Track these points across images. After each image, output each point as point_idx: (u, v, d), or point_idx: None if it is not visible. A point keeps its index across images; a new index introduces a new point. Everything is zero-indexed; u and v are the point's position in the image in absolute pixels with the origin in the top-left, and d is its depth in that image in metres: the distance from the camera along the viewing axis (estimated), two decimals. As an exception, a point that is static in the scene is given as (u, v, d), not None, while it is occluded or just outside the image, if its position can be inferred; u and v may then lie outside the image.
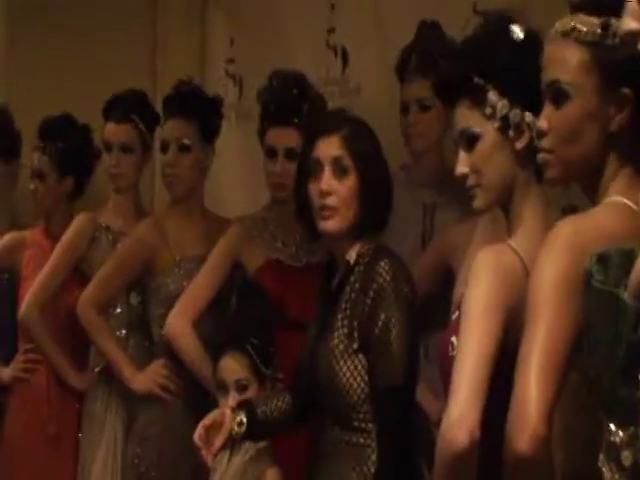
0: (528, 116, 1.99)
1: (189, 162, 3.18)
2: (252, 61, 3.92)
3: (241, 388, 2.69)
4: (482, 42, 2.03)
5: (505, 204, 2.04)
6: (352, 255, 2.35)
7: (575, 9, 1.76)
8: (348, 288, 2.33)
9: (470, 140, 2.01)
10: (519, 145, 2.00)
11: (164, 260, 3.19)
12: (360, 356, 2.27)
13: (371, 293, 2.26)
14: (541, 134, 1.78)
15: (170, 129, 3.19)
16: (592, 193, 1.77)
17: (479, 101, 2.00)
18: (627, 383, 1.36)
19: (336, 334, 2.30)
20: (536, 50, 1.97)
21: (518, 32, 2.01)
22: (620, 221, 1.69)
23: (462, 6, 3.21)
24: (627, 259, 1.42)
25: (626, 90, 1.71)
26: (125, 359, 3.19)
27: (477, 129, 2.00)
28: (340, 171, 2.33)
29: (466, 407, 1.78)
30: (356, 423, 2.28)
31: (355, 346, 2.28)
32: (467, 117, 2.01)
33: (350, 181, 2.33)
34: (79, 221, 3.45)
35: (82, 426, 3.38)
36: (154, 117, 3.44)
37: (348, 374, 2.27)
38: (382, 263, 2.27)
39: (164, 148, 3.22)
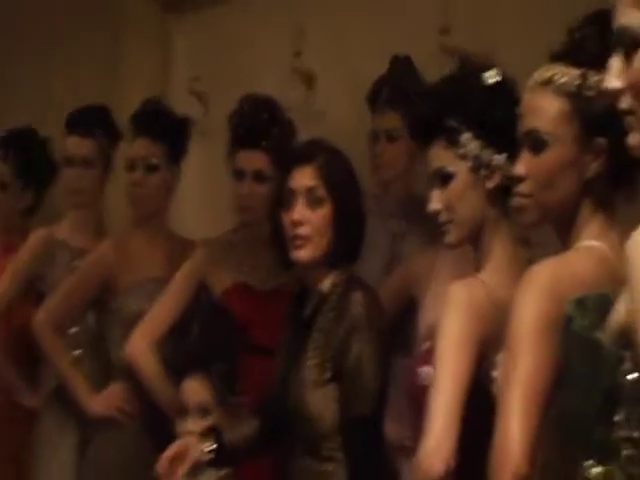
0: (499, 157, 2.10)
1: (156, 182, 3.18)
2: (218, 79, 3.93)
3: (203, 412, 2.68)
4: (457, 85, 2.14)
5: (475, 240, 2.14)
6: (326, 285, 2.39)
7: (554, 59, 1.84)
8: (321, 318, 2.36)
9: (444, 179, 2.12)
10: (490, 184, 2.11)
11: (125, 281, 3.18)
12: (332, 386, 2.31)
13: (345, 324, 2.30)
14: (518, 180, 1.86)
15: (138, 148, 3.19)
16: (565, 236, 1.85)
17: (453, 141, 2.11)
18: (603, 425, 1.41)
19: (308, 363, 2.33)
20: (508, 94, 2.11)
21: (492, 77, 2.11)
22: (593, 265, 1.76)
23: (428, 40, 3.28)
24: (603, 304, 1.48)
25: (602, 140, 1.80)
26: (81, 380, 3.17)
27: (451, 168, 2.11)
28: (314, 201, 2.38)
29: (441, 437, 1.87)
30: (325, 452, 2.32)
31: (327, 376, 2.31)
32: (441, 157, 2.12)
33: (324, 211, 2.38)
34: (35, 236, 3.43)
35: (35, 446, 3.34)
36: (117, 133, 3.43)
37: (319, 404, 2.30)
38: (356, 294, 2.32)
39: (131, 167, 3.21)
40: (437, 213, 2.13)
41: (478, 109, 2.08)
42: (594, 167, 1.81)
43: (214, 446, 2.45)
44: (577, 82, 1.80)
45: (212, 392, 2.70)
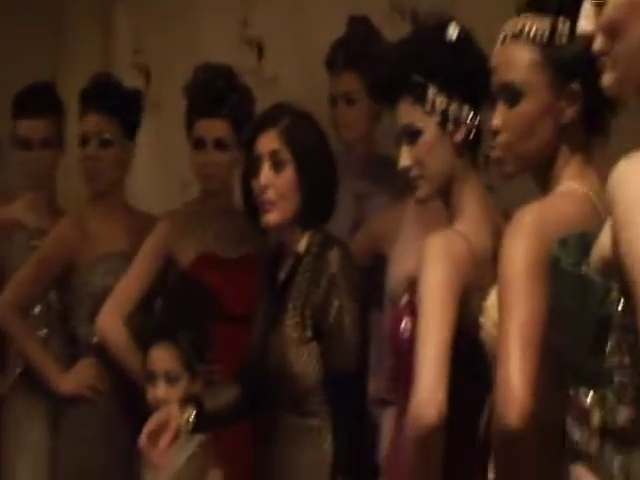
0: (465, 110, 2.15)
1: (110, 157, 3.18)
2: (160, 52, 3.92)
3: (171, 379, 2.69)
4: (420, 42, 2.19)
5: (445, 193, 2.19)
6: (302, 245, 2.42)
7: (520, 11, 1.89)
8: (299, 278, 2.39)
9: (412, 135, 2.17)
10: (458, 137, 2.16)
11: (87, 257, 3.17)
12: (313, 344, 2.35)
13: (323, 282, 2.34)
14: (495, 132, 1.91)
15: (91, 123, 3.18)
16: (544, 181, 1.90)
17: (419, 98, 2.15)
18: (596, 354, 1.46)
19: (288, 322, 2.37)
20: (471, 47, 2.16)
21: (453, 32, 2.15)
22: (576, 205, 1.82)
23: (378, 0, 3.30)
24: (584, 241, 1.53)
25: (576, 85, 1.85)
26: (50, 361, 3.16)
27: (419, 124, 2.16)
28: (277, 164, 2.40)
29: (433, 387, 1.92)
30: (310, 408, 2.36)
31: (308, 334, 2.35)
32: (409, 113, 2.16)
33: (287, 173, 2.40)
34: None
35: (3, 433, 3.32)
36: (63, 109, 3.42)
37: (301, 362, 2.35)
38: (332, 252, 2.36)
39: (84, 143, 3.19)
40: (407, 169, 2.17)
41: (443, 64, 2.13)
42: (569, 112, 1.86)
43: (193, 414, 2.47)
44: (547, 31, 1.85)
45: (179, 359, 2.70)
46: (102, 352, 3.07)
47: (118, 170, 3.22)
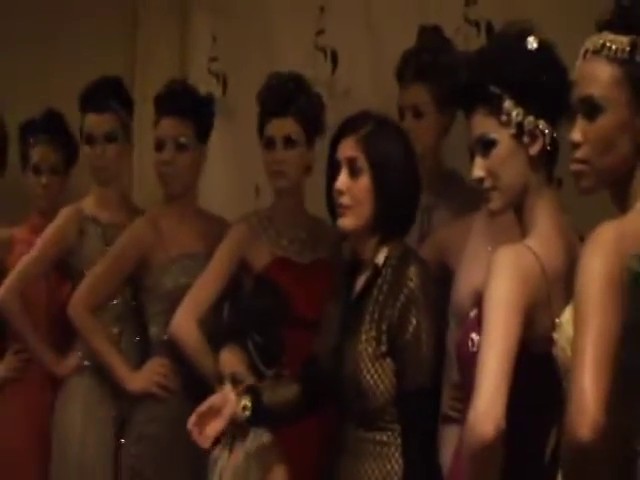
0: (542, 123, 2.15)
1: (186, 161, 3.27)
2: (236, 60, 4.00)
3: (236, 382, 2.75)
4: (499, 52, 2.18)
5: (518, 207, 2.19)
6: (380, 258, 2.45)
7: (602, 28, 1.94)
8: (376, 291, 2.42)
9: (486, 146, 2.17)
10: (533, 151, 2.16)
11: (159, 258, 3.26)
12: (388, 359, 2.37)
13: (402, 297, 2.36)
14: (575, 146, 1.94)
15: (166, 127, 3.28)
16: (621, 200, 1.94)
17: (495, 109, 2.15)
18: None
19: (364, 337, 2.39)
20: (550, 60, 2.15)
21: (533, 43, 2.15)
22: None
23: (453, 12, 3.34)
24: None
25: None
26: (120, 360, 3.25)
27: (493, 135, 2.16)
28: (354, 171, 2.45)
29: (492, 399, 1.93)
30: (381, 424, 2.38)
31: (383, 349, 2.37)
32: (484, 124, 2.17)
33: (363, 181, 2.44)
34: (64, 213, 3.49)
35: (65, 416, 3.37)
36: (132, 103, 3.50)
37: (375, 377, 2.36)
38: (412, 267, 2.38)
39: (160, 147, 3.29)
40: (480, 180, 2.17)
41: (520, 75, 2.12)
42: None
43: (250, 404, 2.50)
44: (627, 48, 1.89)
45: (246, 363, 2.77)
46: (173, 351, 3.14)
47: (193, 173, 3.32)
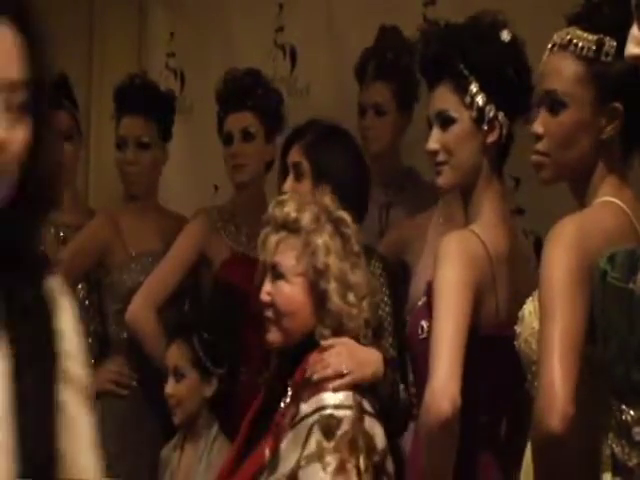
0: (501, 115, 2.22)
1: (148, 160, 3.31)
2: (194, 56, 4.03)
3: (177, 376, 2.87)
4: (473, 35, 2.23)
5: (466, 191, 2.25)
6: None
7: (571, 22, 1.99)
8: None
9: (445, 121, 2.23)
10: (489, 139, 2.23)
11: (119, 256, 3.28)
12: None
13: None
14: (537, 138, 2.00)
15: (129, 126, 3.31)
16: (580, 194, 2.00)
17: (460, 88, 2.21)
18: (638, 370, 1.51)
19: None
20: (519, 57, 2.23)
21: (507, 36, 2.22)
22: (614, 218, 1.90)
23: (413, 11, 3.38)
24: (631, 257, 1.59)
25: (617, 104, 1.93)
26: None
27: (454, 113, 2.22)
28: (298, 175, 2.60)
29: (447, 378, 1.99)
30: None
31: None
32: (447, 99, 2.23)
33: (305, 185, 2.59)
34: None
35: None
36: (77, 104, 3.49)
37: None
38: (374, 263, 2.52)
39: (121, 145, 3.29)
40: (434, 153, 2.23)
41: (490, 63, 2.18)
42: (609, 130, 1.94)
43: None
44: (593, 47, 1.92)
45: (190, 359, 2.86)
46: (132, 348, 3.16)
47: (155, 172, 3.36)
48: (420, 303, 2.26)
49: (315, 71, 3.68)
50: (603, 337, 1.61)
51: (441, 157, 2.21)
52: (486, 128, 2.18)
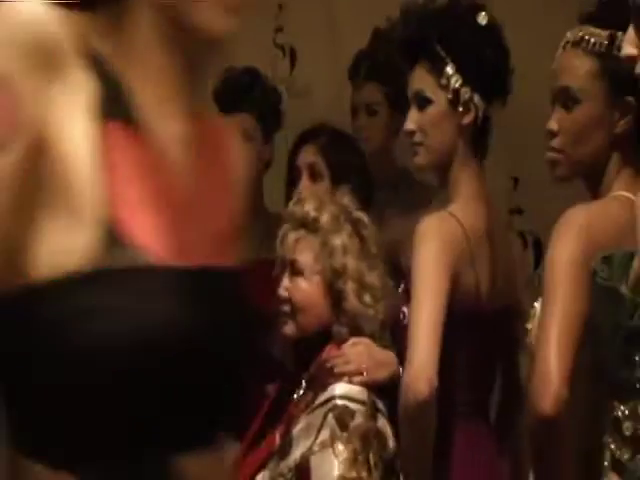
0: (477, 97, 2.25)
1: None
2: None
3: None
4: (450, 17, 2.28)
5: (442, 172, 2.30)
6: None
7: (583, 21, 2.04)
8: None
9: (422, 102, 2.29)
10: (465, 121, 2.27)
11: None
12: None
13: None
14: (551, 135, 2.04)
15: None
16: (594, 189, 2.03)
17: (436, 69, 2.26)
18: (626, 366, 1.55)
19: None
20: (497, 40, 2.27)
21: (483, 19, 2.25)
22: (625, 212, 1.91)
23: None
24: (628, 260, 1.62)
25: (630, 98, 1.99)
26: None
27: (429, 94, 2.27)
28: (314, 176, 2.70)
29: (424, 360, 2.02)
30: None
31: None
32: (423, 80, 2.28)
33: (322, 186, 2.67)
34: None
35: None
36: None
37: None
38: None
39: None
40: (411, 133, 2.28)
41: (466, 45, 2.22)
42: (622, 124, 1.98)
43: None
44: (605, 42, 1.97)
45: None
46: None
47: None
48: (400, 289, 2.30)
49: (315, 71, 3.69)
50: (594, 333, 1.64)
51: (417, 137, 2.26)
52: (461, 110, 2.22)
